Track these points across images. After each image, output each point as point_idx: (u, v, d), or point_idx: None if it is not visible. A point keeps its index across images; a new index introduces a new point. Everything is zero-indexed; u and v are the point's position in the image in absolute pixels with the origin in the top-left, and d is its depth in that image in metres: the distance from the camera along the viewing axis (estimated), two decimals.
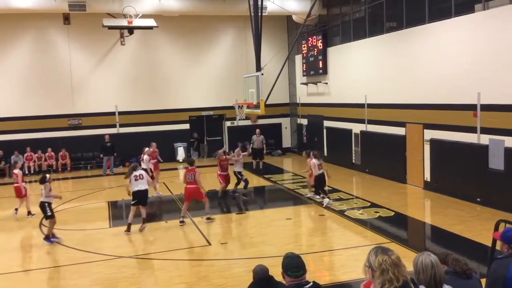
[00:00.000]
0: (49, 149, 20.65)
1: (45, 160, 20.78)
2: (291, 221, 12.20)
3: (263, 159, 19.33)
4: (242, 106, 18.07)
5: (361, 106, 17.50)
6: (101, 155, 20.30)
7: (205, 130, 23.95)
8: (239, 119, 19.79)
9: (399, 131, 15.36)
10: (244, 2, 17.22)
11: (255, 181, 17.46)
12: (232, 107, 19.99)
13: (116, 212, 13.77)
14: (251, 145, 19.02)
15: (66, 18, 20.66)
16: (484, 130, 12.03)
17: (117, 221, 12.72)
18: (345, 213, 12.05)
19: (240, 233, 11.15)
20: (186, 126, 23.07)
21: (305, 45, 21.28)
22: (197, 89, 22.82)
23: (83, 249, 9.95)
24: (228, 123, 23.40)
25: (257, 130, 19.46)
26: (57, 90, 21.11)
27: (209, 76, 22.95)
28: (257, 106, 16.31)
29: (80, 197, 15.56)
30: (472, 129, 12.37)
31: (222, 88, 22.64)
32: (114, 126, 21.96)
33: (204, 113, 23.33)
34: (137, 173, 11.11)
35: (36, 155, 20.67)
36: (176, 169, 20.76)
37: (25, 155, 20.45)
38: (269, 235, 10.66)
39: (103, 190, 16.72)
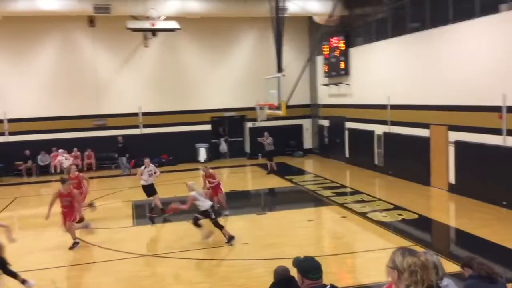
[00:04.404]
0: (75, 149, 21.05)
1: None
2: (312, 223, 12.19)
3: (273, 160, 19.23)
4: (264, 107, 18.15)
5: (383, 107, 17.35)
6: (116, 155, 20.68)
7: (227, 131, 24.09)
8: (260, 120, 19.84)
9: (423, 132, 15.17)
10: (266, 4, 17.27)
11: (275, 182, 17.48)
12: (253, 108, 20.12)
13: (140, 211, 13.95)
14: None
15: (91, 21, 21.03)
16: (510, 132, 11.80)
17: (141, 220, 12.91)
18: (367, 215, 11.96)
19: (261, 233, 11.18)
20: (208, 127, 23.24)
21: (327, 46, 21.20)
22: (219, 90, 22.97)
23: (107, 247, 10.14)
24: (249, 124, 23.48)
25: (265, 133, 19.59)
26: (83, 91, 21.52)
27: (230, 77, 23.08)
28: (278, 107, 16.37)
29: (104, 196, 15.83)
30: (497, 131, 12.15)
31: (244, 89, 22.74)
32: (137, 127, 22.27)
33: (226, 114, 23.46)
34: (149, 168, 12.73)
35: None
36: (197, 169, 20.90)
37: (52, 154, 20.92)
38: (290, 236, 10.67)
39: (127, 190, 16.94)
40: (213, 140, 23.42)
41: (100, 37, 21.52)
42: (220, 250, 9.89)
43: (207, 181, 12.56)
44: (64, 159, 19.46)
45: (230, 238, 10.01)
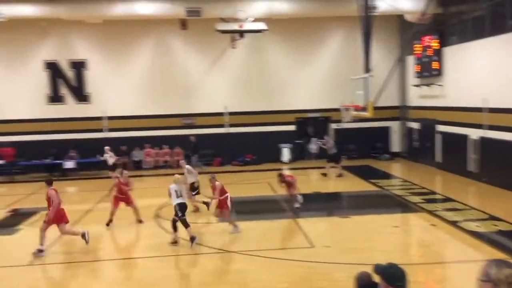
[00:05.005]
0: (165, 146, 22.11)
1: (162, 156, 22.34)
2: (398, 229, 11.73)
3: (338, 162, 18.82)
4: (349, 108, 17.80)
5: (479, 110, 16.25)
6: (189, 154, 21.40)
7: (311, 132, 23.94)
8: (346, 122, 19.48)
9: None
10: (354, 3, 16.93)
11: (359, 185, 17.06)
12: (338, 109, 19.80)
13: None
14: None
15: (183, 24, 21.94)
16: None
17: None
18: (459, 224, 11.26)
19: (343, 237, 10.97)
20: (292, 127, 23.27)
21: (419, 45, 20.28)
22: (304, 90, 22.91)
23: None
24: (334, 125, 23.16)
25: (325, 137, 19.44)
26: (174, 91, 22.52)
27: (316, 78, 22.93)
28: (364, 109, 15.97)
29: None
30: None
31: (329, 90, 22.47)
32: (223, 126, 22.88)
33: (310, 114, 23.35)
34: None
35: (154, 151, 22.34)
36: (280, 169, 20.98)
37: (145, 151, 22.17)
38: (375, 241, 10.36)
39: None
40: (299, 141, 23.33)
41: (191, 39, 22.39)
42: (301, 251, 9.84)
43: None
44: (108, 156, 20.10)
45: (192, 239, 10.03)
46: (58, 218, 10.00)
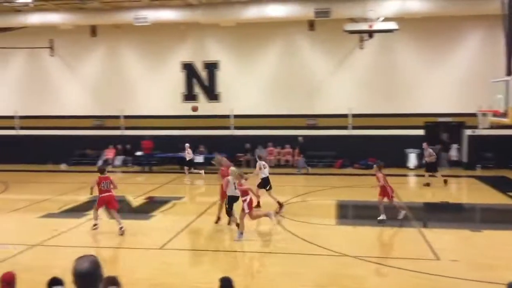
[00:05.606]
0: (287, 146, 22.49)
1: (283, 155, 22.79)
2: None
3: (435, 172, 17.55)
4: (486, 113, 16.35)
5: None
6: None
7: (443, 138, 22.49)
8: (482, 128, 17.92)
9: None
10: (495, 0, 15.49)
11: (495, 197, 15.60)
12: (474, 114, 18.29)
13: (343, 211, 14.12)
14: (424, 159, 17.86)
15: (311, 25, 22.11)
16: None
17: (344, 219, 13.07)
18: None
19: (474, 252, 10.13)
20: (420, 132, 22.06)
21: None
22: (434, 93, 21.61)
23: (310, 241, 10.57)
24: (468, 131, 21.48)
25: (424, 144, 18.02)
26: (298, 92, 22.78)
27: (449, 80, 21.47)
28: (504, 115, 14.55)
29: (310, 193, 16.53)
30: None
31: (463, 93, 20.90)
32: (346, 128, 22.55)
33: (440, 119, 21.94)
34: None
35: (277, 150, 22.88)
36: (405, 175, 20.11)
37: (267, 149, 22.80)
38: (509, 259, 9.41)
39: (332, 188, 17.32)
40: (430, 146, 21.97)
41: (318, 40, 22.45)
42: (424, 262, 9.29)
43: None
44: (186, 153, 20.23)
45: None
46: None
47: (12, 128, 24.99)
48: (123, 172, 22.54)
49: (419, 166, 21.34)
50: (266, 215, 11.51)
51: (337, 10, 18.61)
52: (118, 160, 23.81)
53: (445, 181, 17.62)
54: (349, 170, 21.45)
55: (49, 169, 22.90)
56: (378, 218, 12.17)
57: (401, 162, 21.60)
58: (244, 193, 11.02)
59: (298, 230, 11.46)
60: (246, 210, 10.94)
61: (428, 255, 9.71)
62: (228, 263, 9.84)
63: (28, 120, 24.74)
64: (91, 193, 11.84)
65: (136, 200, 15.76)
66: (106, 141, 23.92)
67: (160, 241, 10.74)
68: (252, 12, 19.51)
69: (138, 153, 23.19)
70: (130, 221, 12.23)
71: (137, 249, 10.44)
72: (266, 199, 13.65)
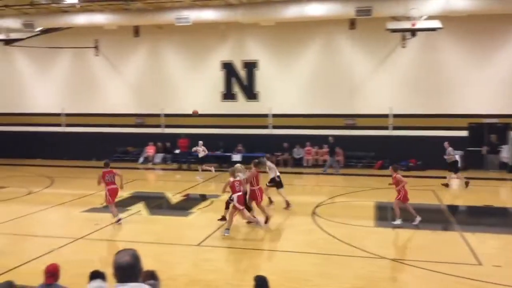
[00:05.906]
0: (325, 146, 22.31)
1: (321, 155, 22.62)
2: None
3: (456, 172, 17.34)
4: None
5: None
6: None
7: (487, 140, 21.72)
8: None
9: None
10: None
11: None
12: None
13: (381, 213, 13.89)
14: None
15: (352, 23, 21.82)
16: None
17: (382, 221, 12.85)
18: None
19: None
20: (464, 133, 21.38)
21: None
22: (479, 94, 20.89)
23: (347, 243, 10.46)
24: None
25: (445, 143, 17.77)
26: (337, 91, 22.54)
27: (494, 80, 20.70)
28: None
29: (348, 193, 16.34)
30: None
31: (510, 94, 20.15)
32: (386, 128, 22.14)
33: (486, 120, 21.19)
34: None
35: (314, 149, 22.74)
36: (444, 177, 19.54)
37: (305, 149, 22.70)
38: None
39: (371, 190, 17.05)
40: (473, 148, 21.31)
41: (359, 39, 22.13)
42: (466, 267, 9.01)
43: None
44: (201, 150, 20.18)
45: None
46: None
47: (59, 125, 25.96)
48: (163, 169, 22.99)
49: (463, 168, 20.68)
50: (257, 222, 11.70)
51: (379, 9, 18.27)
52: (158, 157, 24.31)
53: (467, 183, 17.09)
54: (389, 172, 20.97)
55: (93, 165, 23.62)
56: (393, 222, 11.91)
57: (443, 164, 20.96)
58: (234, 190, 11.26)
59: (336, 231, 11.36)
60: (240, 207, 11.17)
61: (470, 259, 9.43)
62: (264, 262, 9.88)
63: (74, 117, 25.63)
64: (99, 184, 12.30)
65: (174, 197, 16.06)
66: (147, 139, 24.48)
67: (198, 238, 10.91)
68: (292, 12, 19.43)
69: (176, 151, 23.55)
70: (169, 218, 12.45)
71: (176, 245, 10.64)
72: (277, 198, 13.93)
